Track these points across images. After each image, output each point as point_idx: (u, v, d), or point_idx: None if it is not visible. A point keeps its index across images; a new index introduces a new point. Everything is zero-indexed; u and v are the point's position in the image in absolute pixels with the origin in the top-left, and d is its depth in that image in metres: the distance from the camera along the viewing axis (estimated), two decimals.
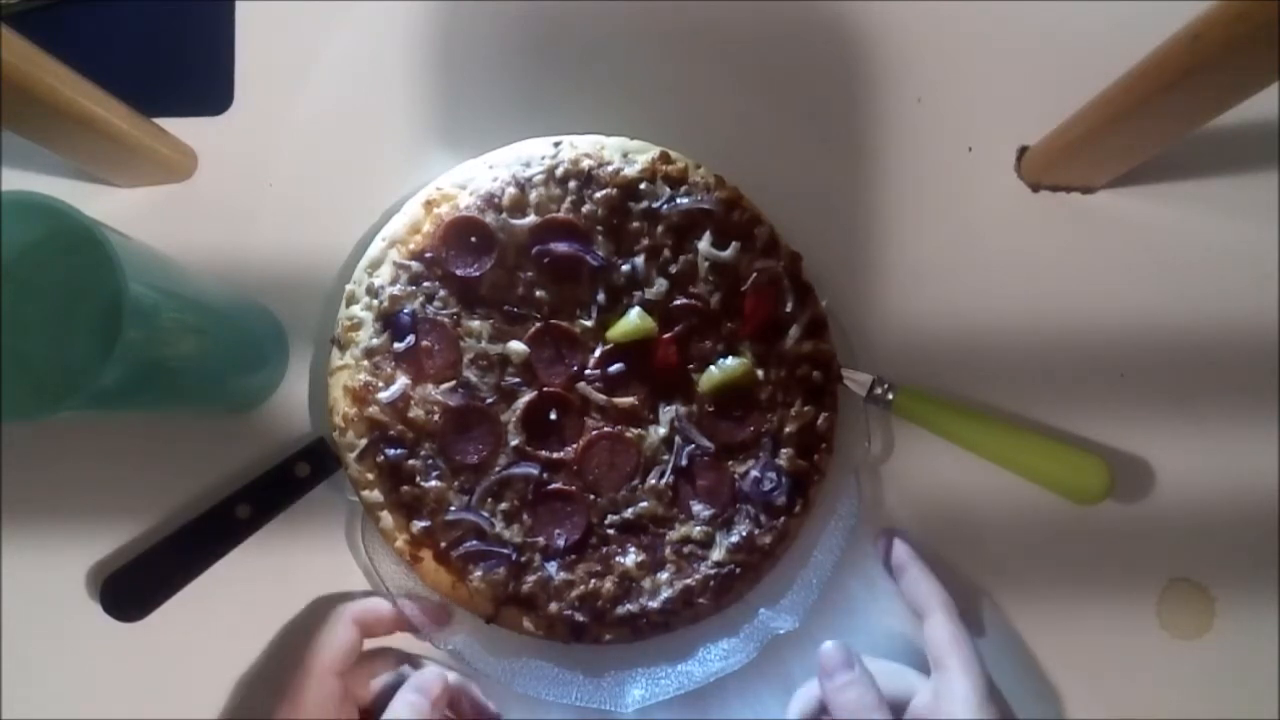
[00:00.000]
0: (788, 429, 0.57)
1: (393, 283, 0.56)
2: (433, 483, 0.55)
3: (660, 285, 0.57)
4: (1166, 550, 0.58)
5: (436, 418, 0.55)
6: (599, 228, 0.57)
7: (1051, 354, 0.60)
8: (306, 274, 0.60)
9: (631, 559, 0.55)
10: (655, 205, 0.57)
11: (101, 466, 0.59)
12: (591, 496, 0.56)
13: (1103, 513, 0.57)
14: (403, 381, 0.55)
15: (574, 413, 0.56)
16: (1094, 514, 0.57)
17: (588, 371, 0.57)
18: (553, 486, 0.56)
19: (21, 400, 0.46)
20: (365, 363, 0.56)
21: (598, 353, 0.57)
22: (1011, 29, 0.62)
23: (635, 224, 0.57)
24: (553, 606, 0.54)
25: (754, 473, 0.56)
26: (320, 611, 0.56)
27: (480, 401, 0.56)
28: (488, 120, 0.62)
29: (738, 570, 0.55)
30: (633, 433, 0.56)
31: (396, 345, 0.56)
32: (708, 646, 0.57)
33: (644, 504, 0.56)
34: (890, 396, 0.57)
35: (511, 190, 0.57)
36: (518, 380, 0.56)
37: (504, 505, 0.55)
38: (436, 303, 0.56)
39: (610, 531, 0.56)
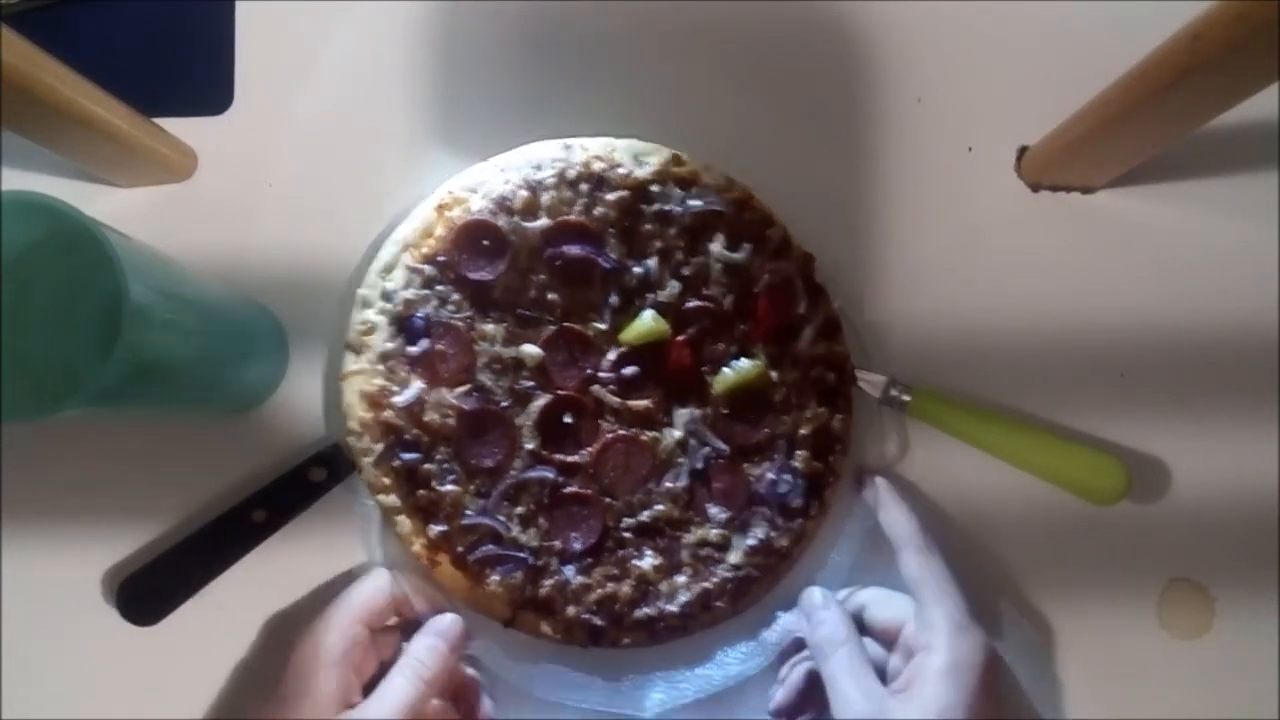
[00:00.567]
0: (803, 431, 0.57)
1: (406, 287, 0.56)
2: (449, 486, 0.55)
3: (673, 287, 0.57)
4: (1166, 550, 0.58)
5: (451, 421, 0.55)
6: (611, 230, 0.57)
7: (1051, 354, 0.60)
8: (307, 274, 0.60)
9: (648, 562, 0.55)
10: (667, 207, 0.57)
11: (103, 467, 0.59)
12: (607, 500, 0.56)
13: (1103, 513, 0.57)
14: (418, 385, 0.55)
15: (588, 416, 0.56)
16: (1094, 514, 0.57)
17: (602, 374, 0.57)
18: (568, 490, 0.56)
19: (21, 400, 0.46)
20: (380, 367, 0.56)
21: (611, 355, 0.57)
22: (1011, 29, 0.62)
23: (647, 226, 0.57)
24: (570, 610, 0.55)
25: (769, 475, 0.56)
26: (292, 622, 0.56)
27: (495, 405, 0.56)
28: (487, 121, 0.62)
29: (755, 573, 0.55)
30: (647, 435, 0.56)
31: (411, 349, 0.56)
32: (726, 650, 0.56)
33: (660, 507, 0.56)
34: (905, 398, 0.57)
35: (523, 193, 0.57)
36: (532, 383, 0.56)
37: (520, 509, 0.55)
38: (450, 306, 0.56)
39: (626, 535, 0.56)
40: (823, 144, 0.62)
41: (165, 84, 0.62)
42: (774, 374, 0.57)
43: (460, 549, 0.55)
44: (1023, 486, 0.58)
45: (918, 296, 0.60)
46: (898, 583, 0.53)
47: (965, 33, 0.62)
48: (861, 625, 0.53)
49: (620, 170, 0.57)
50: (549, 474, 0.56)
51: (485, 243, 0.56)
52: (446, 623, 0.54)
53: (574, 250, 0.56)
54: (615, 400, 0.56)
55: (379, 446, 0.55)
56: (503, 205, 0.57)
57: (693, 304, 0.57)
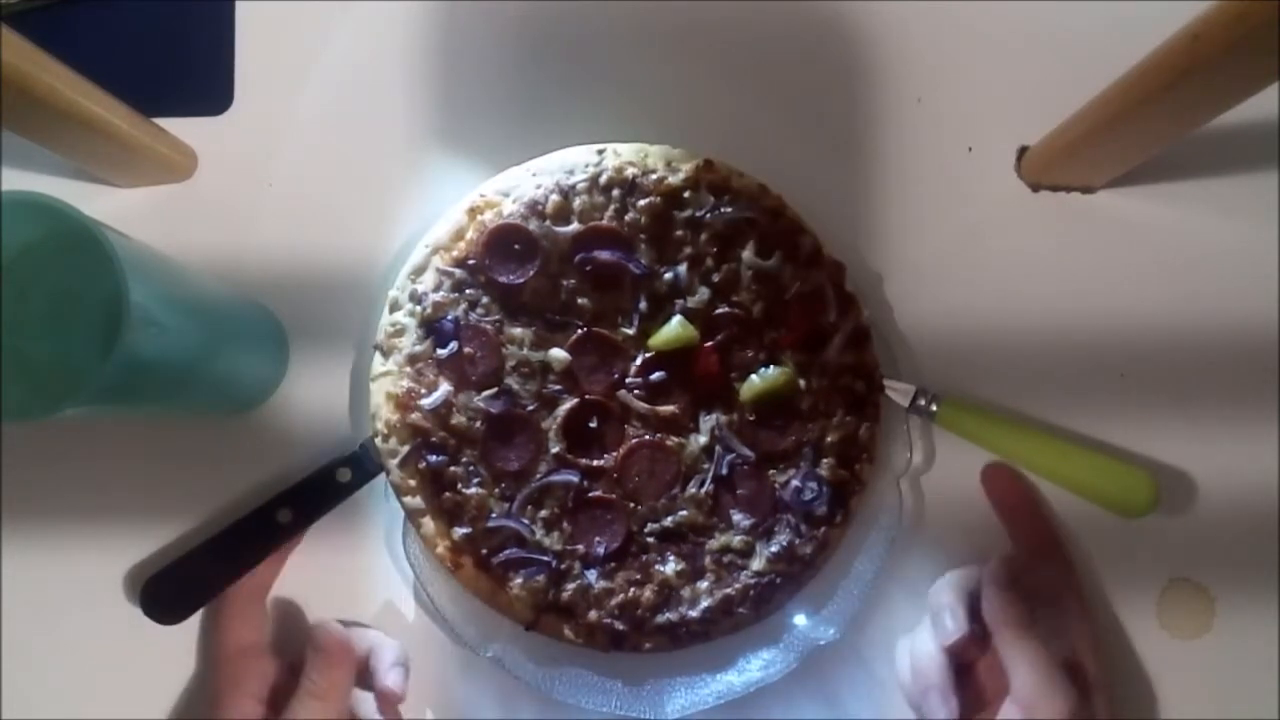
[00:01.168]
0: (829, 439, 0.57)
1: (436, 289, 0.56)
2: (474, 490, 0.55)
3: (702, 294, 0.57)
4: (1166, 550, 0.58)
5: (478, 425, 0.55)
6: (642, 236, 0.57)
7: (1050, 354, 0.60)
8: (306, 274, 0.60)
9: (671, 567, 0.55)
10: (699, 214, 0.57)
11: (105, 468, 0.59)
12: (631, 504, 0.56)
13: (1103, 513, 0.57)
14: (445, 388, 0.55)
15: (614, 421, 0.56)
16: (1095, 514, 0.57)
17: (629, 379, 0.57)
18: (593, 494, 0.56)
19: (21, 400, 0.46)
20: (408, 369, 0.56)
21: (639, 360, 0.57)
22: (1011, 29, 0.62)
23: (678, 232, 0.57)
24: (592, 614, 0.55)
25: (795, 482, 0.56)
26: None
27: (521, 409, 0.56)
28: (487, 121, 0.62)
29: (778, 580, 0.55)
30: (673, 441, 0.56)
31: (440, 352, 0.56)
32: (748, 656, 0.56)
33: (684, 512, 0.56)
34: (933, 408, 0.57)
35: (555, 198, 0.57)
36: (559, 388, 0.56)
37: (544, 513, 0.55)
38: (479, 310, 0.56)
39: (650, 540, 0.56)
40: (822, 144, 0.62)
41: (165, 84, 0.62)
42: (802, 381, 0.57)
43: (484, 552, 0.55)
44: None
45: (917, 296, 0.60)
46: (923, 590, 0.55)
47: (965, 33, 0.63)
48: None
49: (653, 176, 0.57)
50: (574, 478, 0.56)
51: (516, 247, 0.56)
52: (322, 636, 0.53)
53: (604, 255, 0.56)
54: (642, 405, 0.56)
55: (405, 448, 0.55)
56: (534, 209, 0.57)
57: (722, 310, 0.57)
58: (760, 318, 0.57)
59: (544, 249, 0.57)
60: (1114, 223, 0.61)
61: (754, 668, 0.56)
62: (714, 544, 0.56)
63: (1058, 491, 0.57)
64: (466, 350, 0.56)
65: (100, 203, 0.60)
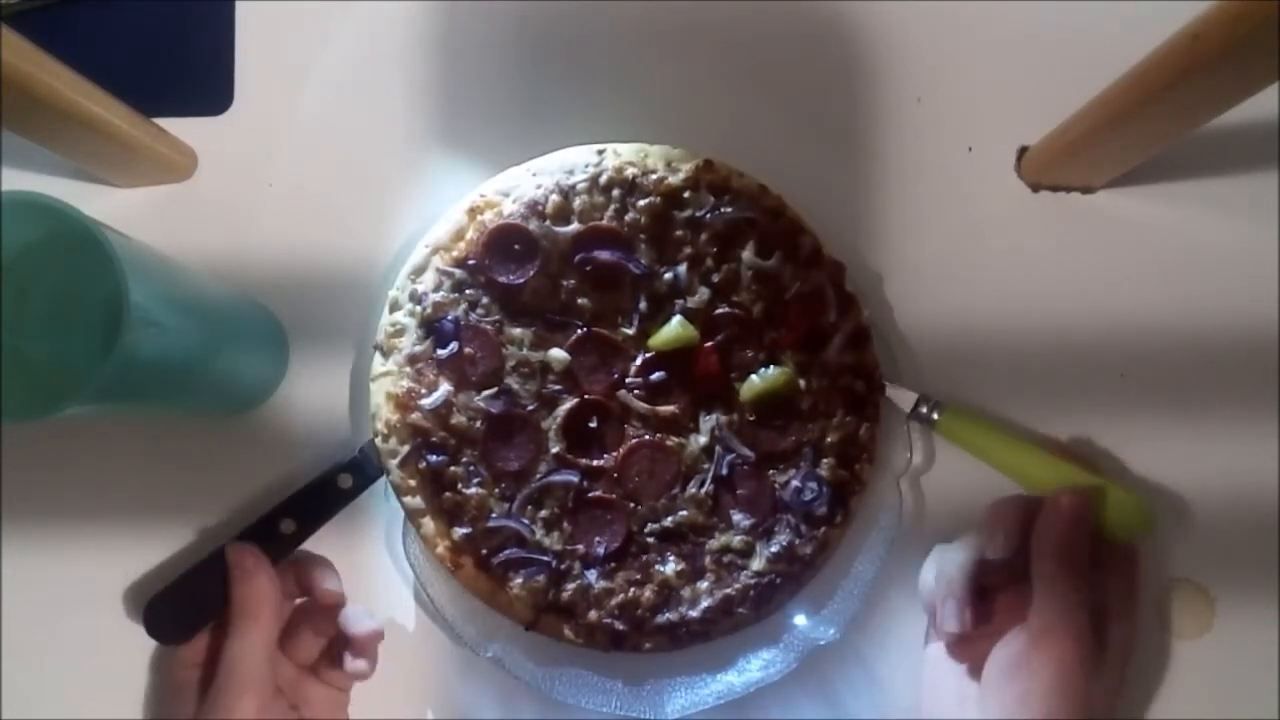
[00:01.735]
0: (829, 439, 0.57)
1: (436, 289, 0.56)
2: (474, 490, 0.55)
3: (702, 294, 0.57)
4: (1167, 550, 0.58)
5: (478, 425, 0.55)
6: (642, 236, 0.57)
7: (1049, 354, 0.60)
8: (306, 274, 0.60)
9: (671, 568, 0.55)
10: (699, 214, 0.57)
11: (104, 469, 0.59)
12: (631, 504, 0.56)
13: None
14: (445, 388, 0.55)
15: (614, 421, 0.56)
16: None
17: (629, 379, 0.57)
18: (593, 494, 0.56)
19: (21, 400, 0.46)
20: (408, 369, 0.56)
21: (639, 361, 0.57)
22: (1011, 29, 0.62)
23: (679, 232, 0.57)
24: (592, 615, 0.54)
25: (795, 483, 0.56)
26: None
27: (522, 409, 0.56)
28: (486, 121, 0.62)
29: (778, 580, 0.55)
30: (673, 441, 0.56)
31: (440, 352, 0.56)
32: (748, 656, 0.56)
33: (684, 513, 0.56)
34: (935, 416, 0.57)
35: (555, 198, 0.57)
36: (559, 388, 0.56)
37: (544, 513, 0.55)
38: (479, 310, 0.56)
39: (650, 540, 0.56)
40: (822, 144, 0.62)
41: (165, 84, 0.62)
42: (802, 381, 0.57)
43: (484, 552, 0.55)
44: None
45: (917, 296, 0.60)
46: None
47: (965, 33, 0.62)
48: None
49: (653, 176, 0.57)
50: (574, 478, 0.55)
51: (516, 247, 0.56)
52: (231, 553, 0.53)
53: (604, 255, 0.56)
54: (642, 405, 0.56)
55: (405, 449, 0.55)
56: (534, 209, 0.57)
57: (722, 310, 0.57)
58: (760, 318, 0.57)
59: (544, 249, 0.57)
60: (1114, 223, 0.61)
61: (754, 668, 0.56)
62: (714, 544, 0.56)
63: None
64: (467, 350, 0.56)
65: (100, 203, 0.60)
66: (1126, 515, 0.53)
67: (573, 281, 0.57)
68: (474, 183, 0.59)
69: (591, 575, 0.55)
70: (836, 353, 0.57)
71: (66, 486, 0.59)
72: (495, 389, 0.56)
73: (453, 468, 0.55)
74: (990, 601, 0.53)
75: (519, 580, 0.55)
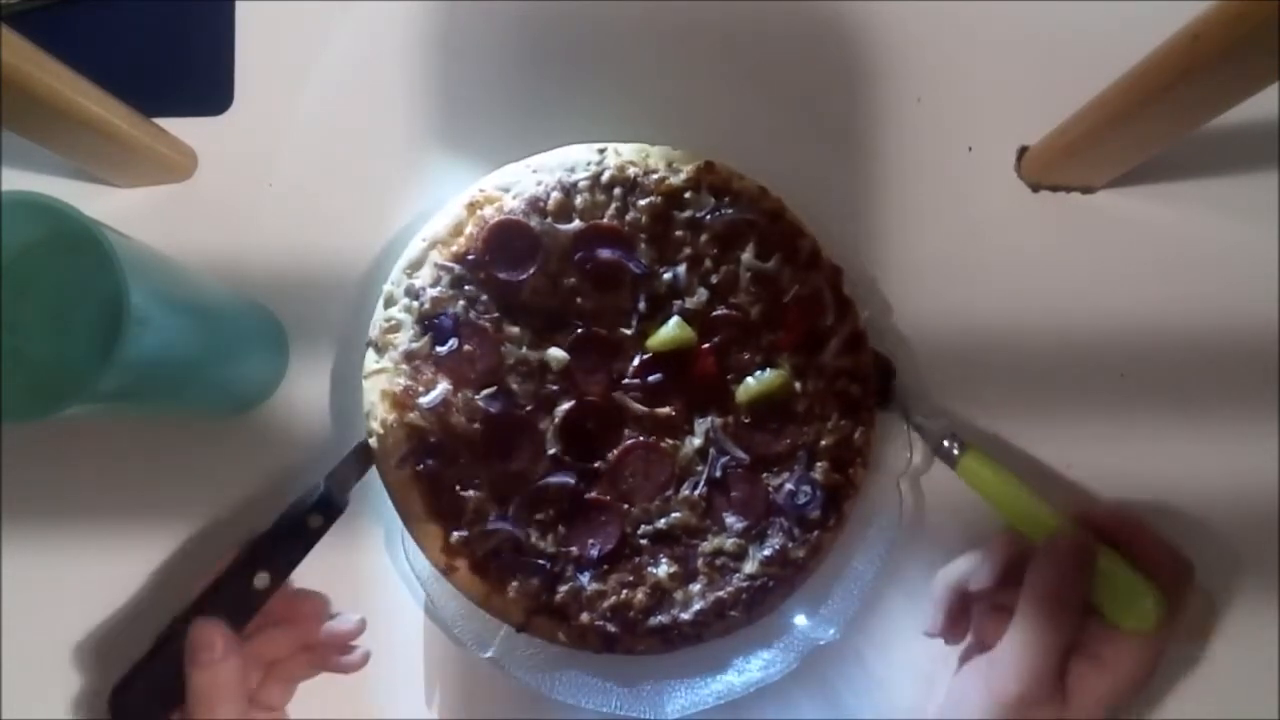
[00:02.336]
0: (824, 442, 0.56)
1: (434, 285, 0.55)
2: (471, 492, 0.55)
3: (701, 295, 0.56)
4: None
5: (476, 425, 0.55)
6: (642, 235, 0.56)
7: (1050, 354, 0.60)
8: (307, 274, 0.60)
9: (664, 570, 0.55)
10: (699, 215, 0.57)
11: (104, 469, 0.59)
12: (625, 506, 0.56)
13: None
14: (444, 386, 0.55)
15: (611, 422, 0.56)
16: None
17: (626, 380, 0.56)
18: (588, 496, 0.55)
19: (21, 400, 0.46)
20: (404, 366, 0.55)
21: (636, 361, 0.56)
22: (1012, 29, 0.62)
23: (679, 233, 0.57)
24: (584, 617, 0.54)
25: (788, 485, 0.56)
26: None
27: (520, 409, 0.55)
28: (486, 121, 0.62)
29: (770, 583, 0.55)
30: (668, 443, 0.56)
31: (439, 349, 0.55)
32: (748, 656, 0.56)
33: (677, 515, 0.56)
34: (955, 451, 0.56)
35: (557, 195, 0.56)
36: (557, 388, 0.56)
37: (540, 515, 0.55)
38: (478, 307, 0.56)
39: (643, 542, 0.55)
40: (822, 144, 0.62)
41: (165, 84, 0.63)
42: (797, 384, 0.56)
43: (480, 555, 0.54)
44: None
45: (917, 296, 0.60)
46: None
47: (965, 33, 0.62)
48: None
49: (655, 176, 0.57)
50: (570, 480, 0.55)
51: (516, 244, 0.56)
52: (192, 633, 0.49)
53: (605, 254, 0.56)
54: (639, 407, 0.56)
55: (402, 449, 0.54)
56: (536, 206, 0.56)
57: (720, 312, 0.56)
58: (758, 320, 0.57)
59: (544, 247, 0.56)
60: (1114, 223, 0.61)
61: (754, 668, 0.56)
62: (707, 546, 0.56)
63: None
64: (466, 348, 0.55)
65: (100, 203, 0.60)
66: (1134, 608, 0.50)
67: (572, 280, 0.57)
68: (473, 182, 0.58)
69: (584, 577, 0.55)
70: (833, 356, 0.57)
71: (66, 486, 0.59)
72: (494, 388, 0.55)
73: (450, 470, 0.54)
74: (986, 618, 0.54)
75: (515, 584, 0.54)
